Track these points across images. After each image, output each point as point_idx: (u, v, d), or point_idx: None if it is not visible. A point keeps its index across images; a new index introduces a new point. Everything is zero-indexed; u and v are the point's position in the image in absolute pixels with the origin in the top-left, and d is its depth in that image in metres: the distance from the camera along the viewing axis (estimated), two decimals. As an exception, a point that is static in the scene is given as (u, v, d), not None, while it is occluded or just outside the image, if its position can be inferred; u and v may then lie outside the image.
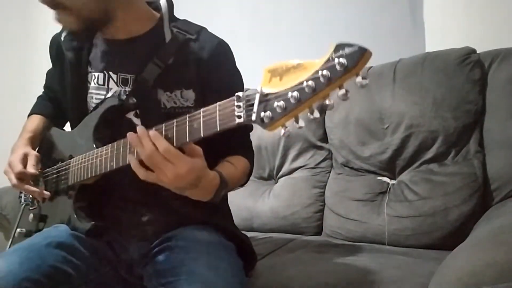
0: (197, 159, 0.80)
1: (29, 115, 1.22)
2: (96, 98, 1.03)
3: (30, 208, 1.14)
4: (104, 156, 0.93)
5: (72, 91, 1.07)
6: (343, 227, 1.43)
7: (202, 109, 0.75)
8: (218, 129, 0.71)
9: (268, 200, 1.62)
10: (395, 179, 1.41)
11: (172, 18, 1.05)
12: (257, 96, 0.65)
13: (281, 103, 0.62)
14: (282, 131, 0.65)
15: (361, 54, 0.57)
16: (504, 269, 0.67)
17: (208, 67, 1.00)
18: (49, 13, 0.94)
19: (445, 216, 1.25)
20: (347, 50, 0.58)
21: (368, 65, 1.74)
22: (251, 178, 1.74)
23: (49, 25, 1.00)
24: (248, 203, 1.65)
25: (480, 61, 1.33)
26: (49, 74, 1.25)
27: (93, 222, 0.98)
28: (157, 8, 1.06)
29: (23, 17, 2.55)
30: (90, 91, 1.05)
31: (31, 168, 1.03)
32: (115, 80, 1.02)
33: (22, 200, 1.17)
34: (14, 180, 1.04)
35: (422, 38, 1.61)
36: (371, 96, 1.46)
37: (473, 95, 1.30)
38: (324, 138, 1.59)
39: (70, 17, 0.93)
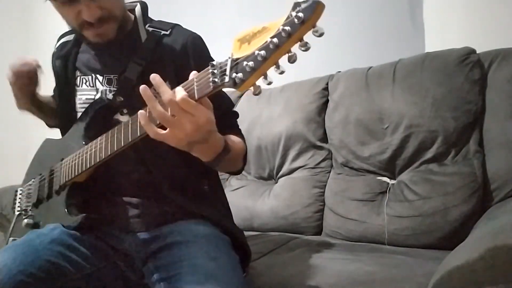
0: (210, 111, 0.79)
1: None
2: (87, 98, 1.08)
3: (24, 217, 1.12)
4: (93, 150, 0.95)
5: (60, 96, 1.13)
6: (343, 227, 1.43)
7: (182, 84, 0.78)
8: (196, 98, 0.75)
9: (268, 200, 1.62)
10: (395, 179, 1.41)
11: (147, 20, 1.10)
12: (229, 62, 0.70)
13: (250, 63, 0.66)
14: (252, 90, 0.69)
15: (315, 7, 0.62)
16: (503, 269, 0.67)
17: (181, 59, 1.03)
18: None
19: (444, 216, 1.25)
20: (303, 5, 0.63)
21: (368, 65, 1.73)
22: (251, 178, 1.77)
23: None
24: (248, 203, 1.65)
25: (479, 61, 1.33)
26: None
27: (84, 214, 0.98)
28: (132, 11, 1.12)
29: (23, 20, 2.54)
30: (79, 93, 1.10)
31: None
32: (101, 81, 1.07)
33: (16, 211, 1.16)
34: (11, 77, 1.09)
35: (421, 38, 1.61)
36: (371, 96, 1.46)
37: (472, 95, 1.30)
38: (324, 138, 1.59)
39: (112, 25, 1.01)
